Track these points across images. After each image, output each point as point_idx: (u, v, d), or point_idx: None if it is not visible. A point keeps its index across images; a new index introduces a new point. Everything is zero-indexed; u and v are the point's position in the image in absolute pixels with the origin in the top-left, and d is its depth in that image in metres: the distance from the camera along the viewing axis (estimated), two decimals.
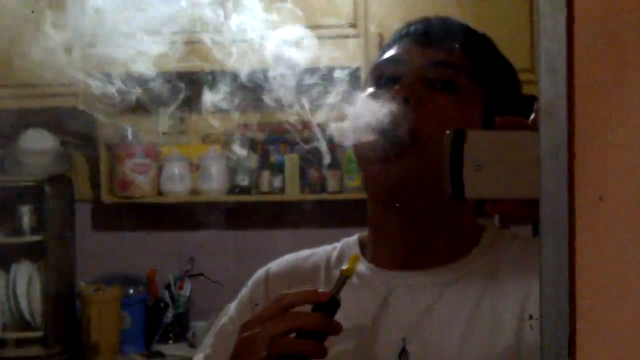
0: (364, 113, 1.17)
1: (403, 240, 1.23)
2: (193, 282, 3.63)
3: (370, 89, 1.21)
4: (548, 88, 0.63)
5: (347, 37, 3.27)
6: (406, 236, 1.22)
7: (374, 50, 3.14)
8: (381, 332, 1.19)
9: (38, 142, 3.62)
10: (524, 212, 0.93)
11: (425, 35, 1.21)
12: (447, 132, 0.94)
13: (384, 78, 1.21)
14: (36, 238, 3.54)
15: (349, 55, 3.25)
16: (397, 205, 1.19)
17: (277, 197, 3.59)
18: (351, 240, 1.31)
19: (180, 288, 3.59)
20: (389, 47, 1.25)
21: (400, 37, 1.24)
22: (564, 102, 0.61)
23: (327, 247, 1.30)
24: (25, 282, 3.53)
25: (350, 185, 3.49)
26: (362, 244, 1.30)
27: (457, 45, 1.20)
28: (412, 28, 1.24)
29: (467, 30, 1.25)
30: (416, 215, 1.21)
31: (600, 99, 0.64)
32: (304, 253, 1.33)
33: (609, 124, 0.64)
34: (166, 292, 3.58)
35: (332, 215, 3.51)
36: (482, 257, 1.22)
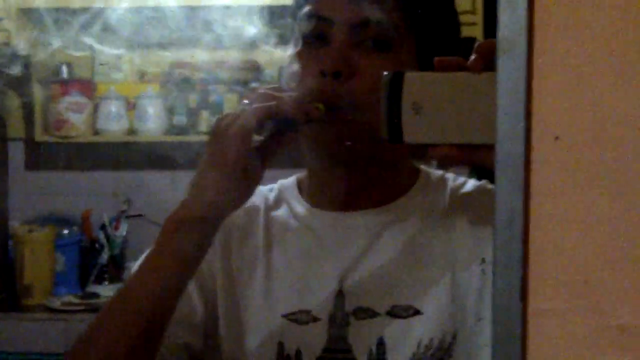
0: (294, 80, 1.15)
1: (341, 182, 1.22)
2: (129, 223, 3.59)
3: (298, 49, 1.17)
4: (507, 24, 0.60)
5: None
6: (343, 179, 1.22)
7: None
8: (319, 272, 1.19)
9: None
10: (464, 157, 0.92)
11: None
12: (385, 73, 0.92)
13: (310, 36, 1.16)
14: None
15: None
16: (332, 159, 1.19)
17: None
18: (288, 181, 1.30)
19: (116, 228, 3.54)
20: None
21: None
22: (523, 39, 0.59)
23: (263, 189, 1.28)
24: None
25: None
26: (300, 185, 1.28)
27: None
28: None
29: None
30: (353, 161, 1.20)
31: (558, 36, 0.62)
32: None
33: (567, 61, 0.62)
34: (101, 233, 3.54)
35: None
36: (419, 198, 1.22)
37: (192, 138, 3.56)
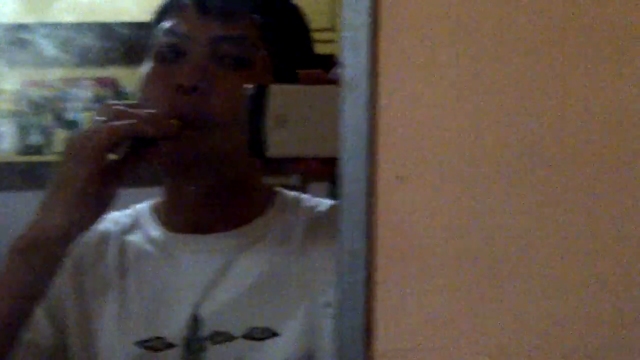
0: (150, 98, 1.13)
1: (195, 204, 1.20)
2: None
3: (153, 65, 1.15)
4: (350, 65, 0.60)
5: None
6: (198, 201, 1.20)
7: None
8: (174, 297, 1.17)
9: None
10: (326, 170, 0.92)
11: (210, 2, 1.14)
12: (248, 86, 0.91)
13: (166, 53, 1.14)
14: None
15: (141, 9, 3.17)
16: (188, 177, 1.17)
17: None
18: (143, 206, 1.27)
19: None
20: (168, 8, 1.18)
21: (178, 3, 1.17)
22: (365, 78, 0.58)
23: (117, 214, 1.25)
24: None
25: None
26: (156, 209, 1.26)
27: (245, 13, 1.14)
28: None
29: None
30: (207, 182, 1.18)
31: (402, 76, 0.62)
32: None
33: (412, 102, 0.62)
34: None
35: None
36: (274, 219, 1.21)
37: (48, 158, 3.48)
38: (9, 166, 3.59)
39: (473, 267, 0.60)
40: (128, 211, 1.27)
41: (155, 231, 1.22)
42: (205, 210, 1.20)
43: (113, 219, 1.24)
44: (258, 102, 0.90)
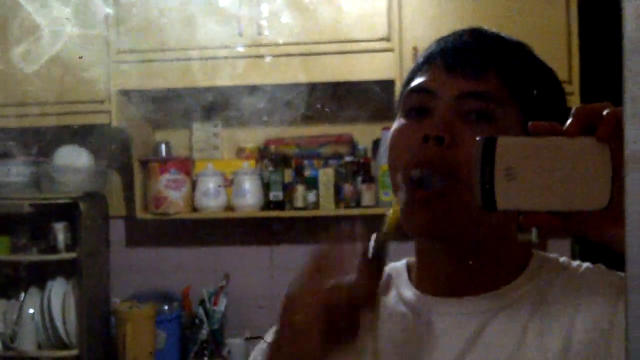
0: (397, 150, 1.15)
1: (448, 267, 1.19)
2: (228, 298, 3.61)
3: (402, 121, 1.17)
4: (635, 138, 0.58)
5: (380, 50, 3.25)
6: (451, 264, 1.19)
7: (408, 64, 3.12)
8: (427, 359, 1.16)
9: (73, 159, 3.63)
10: (561, 225, 0.89)
11: (456, 60, 1.16)
12: (477, 138, 0.91)
13: (415, 109, 1.17)
14: (71, 255, 3.54)
15: (383, 68, 3.23)
16: (436, 237, 1.16)
17: (312, 213, 3.56)
18: (399, 265, 1.28)
19: (215, 304, 3.57)
20: (419, 69, 1.20)
21: (430, 60, 1.19)
22: None
23: None
24: (60, 300, 3.53)
25: (385, 199, 3.46)
26: (409, 268, 1.27)
27: (491, 69, 1.14)
28: (442, 50, 1.18)
29: (502, 46, 1.19)
30: (459, 245, 1.17)
31: None
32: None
33: None
34: (201, 309, 3.57)
35: (368, 230, 3.47)
36: (529, 285, 1.17)
37: (289, 213, 3.59)
38: (254, 221, 3.73)
39: None
40: (386, 268, 1.29)
41: (408, 291, 1.23)
42: (457, 272, 1.19)
43: None
44: (487, 154, 0.90)
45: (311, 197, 3.56)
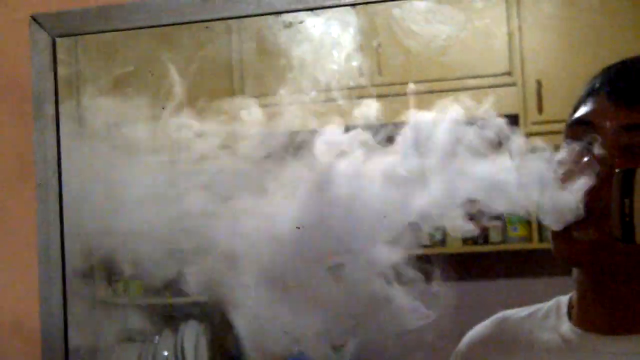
0: (562, 178, 1.12)
1: (606, 302, 1.16)
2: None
3: (563, 153, 1.13)
4: None
5: (503, 85, 3.22)
6: (608, 298, 1.15)
7: (531, 98, 3.08)
8: None
9: None
10: None
11: (621, 91, 1.11)
12: (617, 170, 0.89)
13: (576, 141, 1.13)
14: (202, 298, 3.58)
15: (506, 103, 3.20)
16: (590, 271, 1.14)
17: (438, 250, 3.54)
18: (563, 298, 1.26)
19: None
20: (583, 100, 1.17)
21: (594, 91, 1.15)
22: None
23: (539, 305, 1.26)
24: (193, 342, 3.58)
25: (513, 235, 3.41)
26: (570, 304, 1.24)
27: None
28: (607, 79, 1.15)
29: None
30: (614, 277, 1.14)
31: None
32: (509, 312, 1.30)
33: None
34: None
35: (495, 266, 3.43)
36: None
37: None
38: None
39: None
40: (551, 302, 1.27)
41: (565, 326, 1.20)
42: (616, 308, 1.16)
43: (531, 310, 1.26)
44: (626, 186, 0.88)
45: (438, 234, 3.53)
